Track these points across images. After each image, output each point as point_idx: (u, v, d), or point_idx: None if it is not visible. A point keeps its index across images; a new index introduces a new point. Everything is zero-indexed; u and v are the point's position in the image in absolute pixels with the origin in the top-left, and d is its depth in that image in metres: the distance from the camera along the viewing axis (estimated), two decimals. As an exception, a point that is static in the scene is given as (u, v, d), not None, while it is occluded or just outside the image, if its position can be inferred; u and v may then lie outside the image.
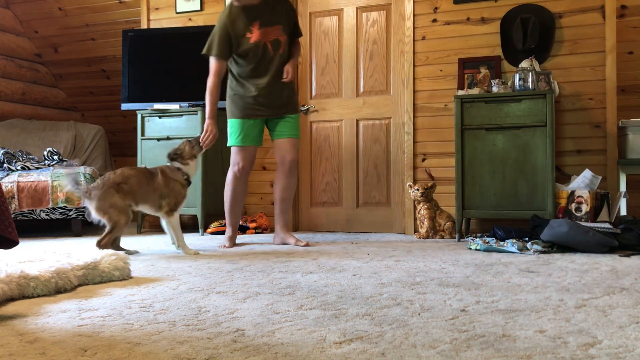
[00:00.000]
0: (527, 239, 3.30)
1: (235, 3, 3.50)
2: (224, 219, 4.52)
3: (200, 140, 3.42)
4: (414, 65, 4.34)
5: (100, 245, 3.03)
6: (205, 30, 4.79)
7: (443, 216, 3.96)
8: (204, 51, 3.55)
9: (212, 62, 3.54)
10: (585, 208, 3.54)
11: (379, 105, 4.51)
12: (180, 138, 4.44)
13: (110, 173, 3.21)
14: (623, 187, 3.76)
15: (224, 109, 4.70)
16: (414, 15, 4.33)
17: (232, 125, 3.61)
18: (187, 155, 3.34)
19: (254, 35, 3.48)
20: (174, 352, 1.30)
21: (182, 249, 3.21)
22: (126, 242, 3.90)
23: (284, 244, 3.67)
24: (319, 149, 4.68)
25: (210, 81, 3.53)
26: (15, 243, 1.72)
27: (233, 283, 2.20)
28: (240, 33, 3.48)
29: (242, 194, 3.70)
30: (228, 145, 3.66)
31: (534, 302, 1.80)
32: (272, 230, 4.61)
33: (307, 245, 3.55)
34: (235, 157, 3.62)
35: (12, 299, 1.91)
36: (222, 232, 4.33)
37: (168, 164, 3.35)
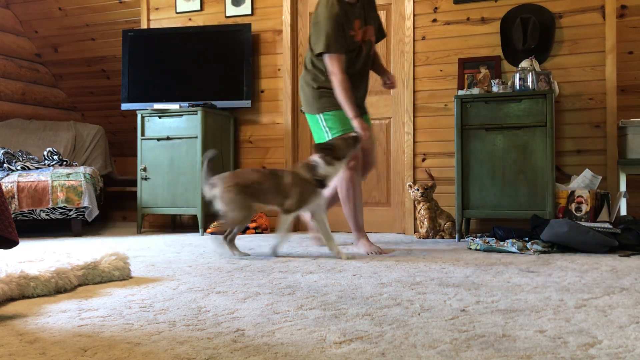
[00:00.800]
0: (527, 239, 3.30)
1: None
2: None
3: (359, 140, 3.05)
4: (414, 65, 4.34)
5: (224, 237, 3.04)
6: (206, 30, 4.83)
7: (443, 216, 3.96)
8: (322, 49, 3.17)
9: (335, 60, 3.16)
10: (585, 208, 3.54)
11: (379, 105, 4.51)
12: (180, 138, 4.46)
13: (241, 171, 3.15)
14: (623, 187, 3.76)
15: (225, 109, 4.71)
16: (414, 15, 4.33)
17: (330, 119, 3.25)
18: (338, 154, 2.95)
19: (357, 35, 3.26)
20: (174, 352, 1.30)
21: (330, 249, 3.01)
22: (126, 242, 3.90)
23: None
24: (319, 149, 4.67)
25: (340, 79, 3.14)
26: (15, 243, 1.72)
27: (233, 283, 2.20)
28: (347, 30, 3.22)
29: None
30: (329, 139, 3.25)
31: (534, 302, 1.80)
32: (272, 230, 4.61)
33: (384, 251, 3.18)
34: None
35: (12, 299, 1.91)
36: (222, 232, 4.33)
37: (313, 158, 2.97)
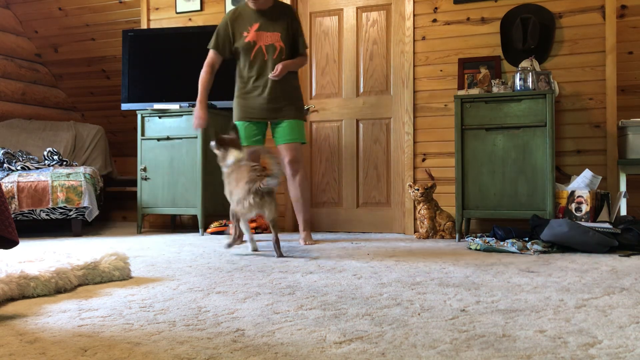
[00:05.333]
0: (527, 239, 3.30)
1: (246, 2, 3.70)
2: (224, 219, 4.52)
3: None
4: (414, 65, 4.34)
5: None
6: (205, 30, 4.81)
7: (443, 216, 3.96)
8: (208, 45, 3.76)
9: (209, 54, 3.75)
10: (585, 208, 3.54)
11: (379, 105, 4.51)
12: (180, 138, 4.46)
13: None
14: (623, 187, 3.76)
15: (225, 109, 4.71)
16: (414, 15, 4.33)
17: (239, 127, 3.65)
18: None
19: (249, 35, 3.66)
20: (174, 352, 1.30)
21: None
22: (126, 242, 3.90)
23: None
24: (319, 149, 4.67)
25: (203, 70, 3.73)
26: (15, 243, 1.72)
27: (233, 283, 2.20)
28: (238, 30, 3.68)
29: None
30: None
31: (534, 302, 1.80)
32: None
33: (312, 244, 3.65)
34: None
35: (12, 299, 1.91)
36: (222, 232, 4.33)
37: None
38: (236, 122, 3.66)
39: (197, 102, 3.72)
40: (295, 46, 3.73)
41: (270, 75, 3.59)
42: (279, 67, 3.58)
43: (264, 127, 3.75)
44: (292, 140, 3.69)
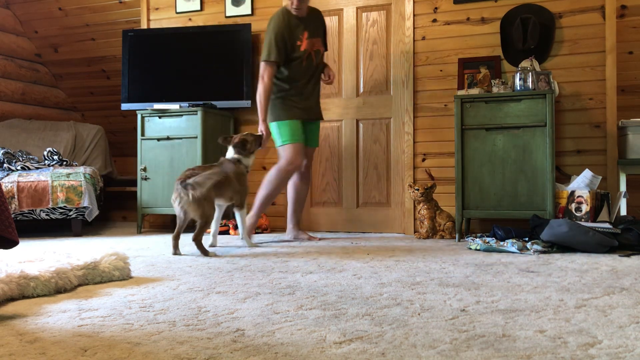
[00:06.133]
0: (527, 239, 3.30)
1: (290, 10, 3.76)
2: (224, 219, 4.52)
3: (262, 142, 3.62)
4: (414, 65, 4.34)
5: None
6: (205, 30, 4.83)
7: (443, 216, 3.96)
8: (263, 57, 3.69)
9: (268, 67, 3.68)
10: (585, 208, 3.54)
11: (379, 105, 4.51)
12: (180, 138, 4.46)
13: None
14: (623, 187, 3.76)
15: (225, 109, 4.71)
16: (414, 15, 4.33)
17: (281, 127, 3.76)
18: (251, 148, 3.47)
19: (303, 44, 3.77)
20: (174, 352, 1.30)
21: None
22: (126, 242, 3.90)
23: (297, 239, 3.93)
24: (319, 149, 4.67)
25: (265, 85, 3.66)
26: (15, 243, 1.72)
27: (233, 283, 2.20)
28: (294, 39, 3.75)
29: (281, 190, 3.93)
30: (278, 146, 3.80)
31: (534, 302, 1.80)
32: (272, 230, 4.62)
33: (320, 240, 3.86)
34: (290, 155, 3.74)
35: (12, 299, 1.91)
36: (222, 232, 4.33)
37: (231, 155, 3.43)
38: (281, 122, 3.76)
39: (263, 121, 3.69)
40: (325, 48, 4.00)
41: (324, 81, 3.94)
42: (333, 74, 3.93)
43: (304, 126, 3.87)
44: (317, 144, 4.05)
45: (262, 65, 3.69)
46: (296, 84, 3.79)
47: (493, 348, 1.30)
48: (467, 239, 3.66)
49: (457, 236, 3.79)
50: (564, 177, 3.96)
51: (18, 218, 4.24)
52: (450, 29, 4.26)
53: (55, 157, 4.76)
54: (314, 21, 3.85)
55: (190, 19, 5.02)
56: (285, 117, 3.76)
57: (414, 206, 4.25)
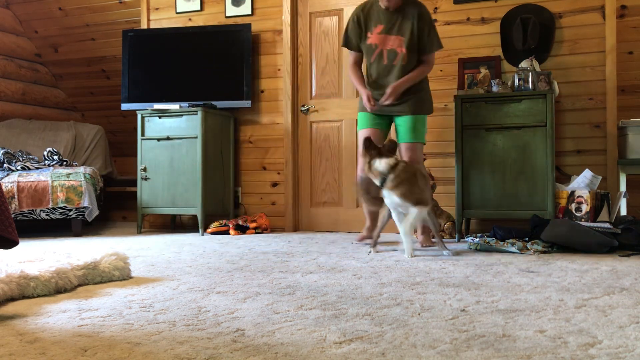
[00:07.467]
0: (527, 239, 3.30)
1: (381, 2, 3.44)
2: (224, 219, 4.52)
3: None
4: (414, 65, 4.33)
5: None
6: (205, 30, 4.83)
7: (443, 216, 3.95)
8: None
9: (349, 53, 3.64)
10: (585, 208, 3.53)
11: (379, 105, 4.50)
12: (180, 138, 4.46)
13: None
14: (623, 187, 3.76)
15: (225, 109, 4.71)
16: (414, 15, 4.32)
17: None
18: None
19: (371, 37, 3.48)
20: (174, 352, 1.30)
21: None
22: (126, 242, 3.90)
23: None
24: (319, 149, 4.67)
25: (349, 69, 3.63)
26: (15, 243, 1.72)
27: (233, 283, 2.20)
28: (366, 29, 3.51)
29: None
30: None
31: (534, 302, 1.80)
32: (272, 230, 4.61)
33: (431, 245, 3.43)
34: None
35: (12, 299, 1.91)
36: (222, 232, 4.33)
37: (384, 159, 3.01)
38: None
39: (361, 91, 3.50)
40: (421, 49, 3.47)
41: (381, 101, 3.42)
42: (388, 90, 3.39)
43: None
44: (409, 139, 3.49)
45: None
46: (367, 78, 3.60)
47: (493, 348, 1.30)
48: (467, 239, 3.66)
49: (457, 236, 3.79)
50: (564, 177, 3.96)
51: (18, 218, 4.24)
52: (450, 29, 4.26)
53: (55, 157, 4.76)
54: (403, 17, 3.47)
55: (190, 19, 5.02)
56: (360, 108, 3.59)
57: (414, 206, 4.24)
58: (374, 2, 3.49)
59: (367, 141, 3.08)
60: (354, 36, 3.54)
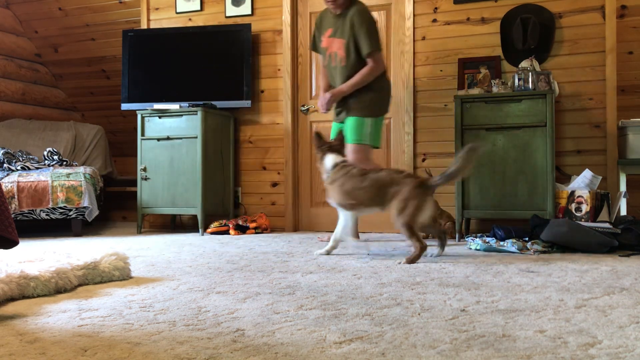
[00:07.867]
0: (527, 239, 3.30)
1: (327, 6, 3.61)
2: (224, 219, 4.52)
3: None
4: (414, 65, 4.34)
5: None
6: (205, 30, 4.83)
7: (443, 216, 3.95)
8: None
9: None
10: (585, 208, 3.53)
11: (379, 105, 4.50)
12: (180, 138, 4.46)
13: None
14: (623, 187, 3.76)
15: (225, 109, 4.71)
16: (414, 15, 4.33)
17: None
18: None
19: (323, 41, 3.68)
20: (174, 352, 1.30)
21: None
22: (126, 242, 3.90)
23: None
24: (319, 149, 4.67)
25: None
26: (15, 243, 1.72)
27: (233, 283, 2.20)
28: (320, 33, 3.72)
29: None
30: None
31: (534, 302, 1.80)
32: (272, 230, 4.61)
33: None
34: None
35: (12, 299, 1.91)
36: (222, 232, 4.33)
37: (336, 157, 3.08)
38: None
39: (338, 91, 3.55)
40: (358, 50, 3.48)
41: (320, 109, 3.64)
42: (327, 96, 3.55)
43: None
44: (350, 140, 3.52)
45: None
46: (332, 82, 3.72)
47: (493, 348, 1.30)
48: (467, 239, 3.66)
49: (457, 236, 3.79)
50: (564, 177, 3.96)
51: (18, 218, 4.24)
52: (450, 29, 4.26)
53: (55, 157, 4.76)
54: (344, 20, 3.54)
55: (190, 19, 5.02)
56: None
57: (414, 206, 4.24)
58: (325, 10, 3.69)
59: (317, 135, 3.18)
60: (317, 40, 3.74)
